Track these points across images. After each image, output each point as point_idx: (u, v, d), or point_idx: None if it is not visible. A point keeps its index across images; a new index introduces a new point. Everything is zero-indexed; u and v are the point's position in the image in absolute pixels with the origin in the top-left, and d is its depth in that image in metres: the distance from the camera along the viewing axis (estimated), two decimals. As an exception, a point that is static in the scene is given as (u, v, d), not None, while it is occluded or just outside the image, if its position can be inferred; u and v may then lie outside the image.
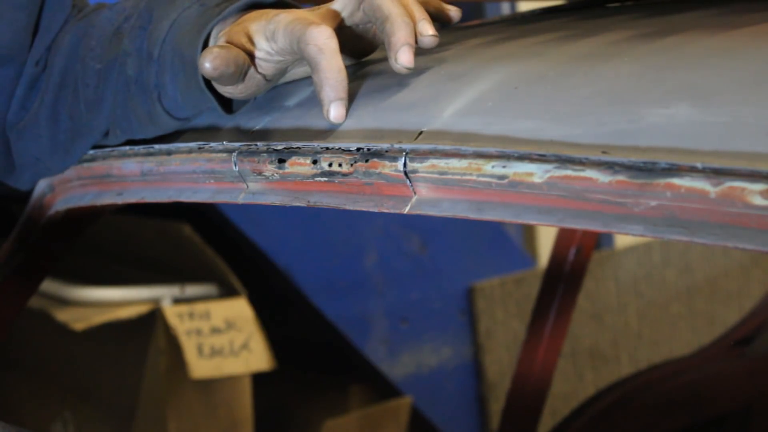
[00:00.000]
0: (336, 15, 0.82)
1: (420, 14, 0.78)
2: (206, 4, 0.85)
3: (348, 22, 0.83)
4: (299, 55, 0.77)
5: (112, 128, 0.93)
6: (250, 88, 0.82)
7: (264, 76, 0.82)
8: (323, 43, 0.75)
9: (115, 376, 2.38)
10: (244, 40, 0.80)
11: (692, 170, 0.57)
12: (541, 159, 0.64)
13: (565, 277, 1.66)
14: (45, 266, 1.14)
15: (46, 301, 2.29)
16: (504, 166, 0.66)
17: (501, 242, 2.78)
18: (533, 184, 0.64)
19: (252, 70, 0.81)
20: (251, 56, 0.80)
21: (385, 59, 0.78)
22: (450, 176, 0.69)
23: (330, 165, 0.76)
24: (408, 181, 0.71)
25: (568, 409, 1.82)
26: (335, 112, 0.76)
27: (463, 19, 0.89)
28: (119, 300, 2.26)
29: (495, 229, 2.75)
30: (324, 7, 0.83)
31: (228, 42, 0.79)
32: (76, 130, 0.95)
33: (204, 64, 0.75)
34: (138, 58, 0.87)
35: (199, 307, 2.24)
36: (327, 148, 0.76)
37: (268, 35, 0.79)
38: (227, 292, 2.30)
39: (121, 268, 2.51)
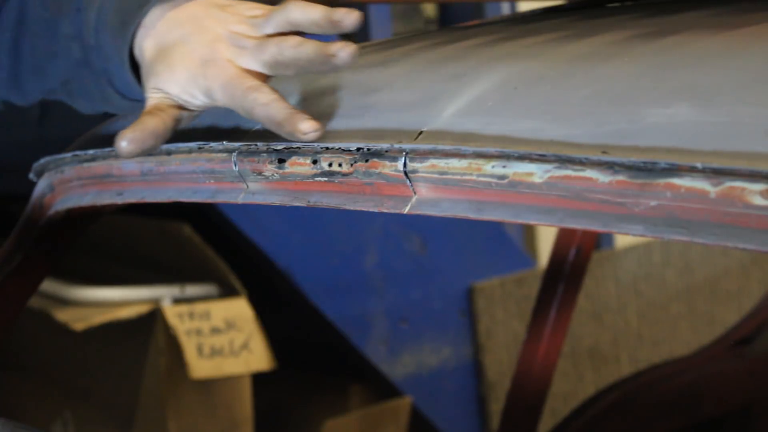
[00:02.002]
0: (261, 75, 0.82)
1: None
2: None
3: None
4: (246, 117, 0.80)
5: (72, 98, 0.93)
6: (180, 124, 0.85)
7: (193, 115, 0.84)
8: (267, 99, 0.78)
9: (115, 376, 2.38)
10: (183, 95, 0.82)
11: (692, 170, 0.57)
12: (541, 159, 0.64)
13: (565, 277, 1.66)
14: (45, 266, 1.14)
15: (46, 301, 2.29)
16: (504, 166, 0.66)
17: (501, 242, 2.77)
18: (533, 184, 0.64)
19: (180, 113, 0.83)
20: (179, 105, 0.82)
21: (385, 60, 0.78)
22: (450, 176, 0.69)
23: (330, 165, 0.76)
24: (408, 181, 0.71)
25: (568, 409, 1.82)
26: (311, 127, 0.77)
27: (463, 19, 0.89)
28: (119, 300, 2.26)
29: (495, 229, 2.75)
30: (247, 48, 0.83)
31: (155, 92, 0.82)
32: (37, 67, 0.93)
33: (120, 144, 0.78)
34: (80, 41, 0.87)
35: (199, 307, 2.24)
36: (327, 148, 0.77)
37: (204, 92, 0.81)
38: (227, 292, 2.30)
39: (121, 268, 2.51)
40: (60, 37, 0.89)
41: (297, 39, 0.80)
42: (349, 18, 0.77)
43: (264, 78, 0.81)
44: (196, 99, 0.82)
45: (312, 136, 0.77)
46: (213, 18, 0.83)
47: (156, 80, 0.83)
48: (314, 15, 0.80)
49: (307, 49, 0.79)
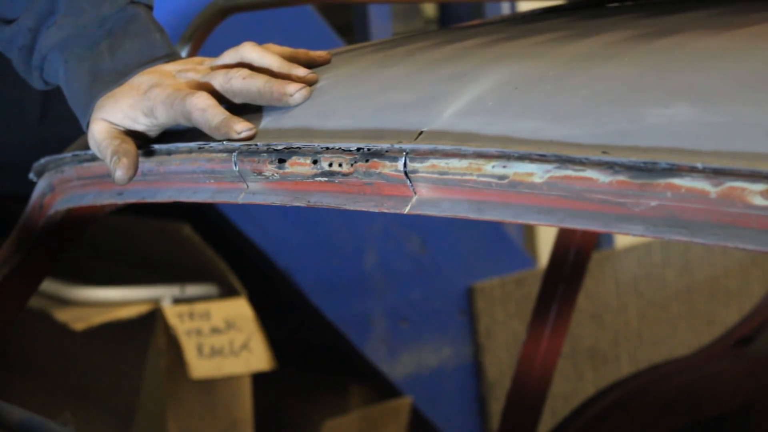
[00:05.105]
0: (207, 84, 0.86)
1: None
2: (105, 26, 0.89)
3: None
4: (187, 124, 0.84)
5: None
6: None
7: (147, 139, 0.89)
8: (204, 104, 0.81)
9: (115, 376, 2.38)
10: (125, 121, 0.86)
11: (692, 170, 0.57)
12: (542, 159, 0.64)
13: (565, 277, 1.67)
14: (45, 266, 1.14)
15: (46, 301, 2.29)
16: (504, 166, 0.66)
17: (501, 242, 2.77)
18: (533, 184, 0.64)
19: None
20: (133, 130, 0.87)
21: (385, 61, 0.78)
22: (450, 176, 0.69)
23: (330, 165, 0.76)
24: (408, 181, 0.71)
25: (568, 409, 1.83)
26: (245, 126, 0.80)
27: (463, 19, 0.89)
28: (119, 300, 2.26)
29: (495, 229, 2.75)
30: (194, 78, 0.87)
31: (99, 122, 0.86)
32: None
33: (117, 173, 0.83)
34: (33, 35, 0.91)
35: (199, 307, 2.24)
36: (327, 148, 0.76)
37: (146, 112, 0.85)
38: (227, 292, 2.30)
39: (121, 268, 2.51)
40: (20, 17, 0.92)
41: (246, 70, 0.83)
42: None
43: None
44: (137, 123, 0.86)
45: (245, 134, 0.80)
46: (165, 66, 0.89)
47: (101, 112, 0.87)
48: (270, 63, 0.84)
49: (257, 82, 0.82)
